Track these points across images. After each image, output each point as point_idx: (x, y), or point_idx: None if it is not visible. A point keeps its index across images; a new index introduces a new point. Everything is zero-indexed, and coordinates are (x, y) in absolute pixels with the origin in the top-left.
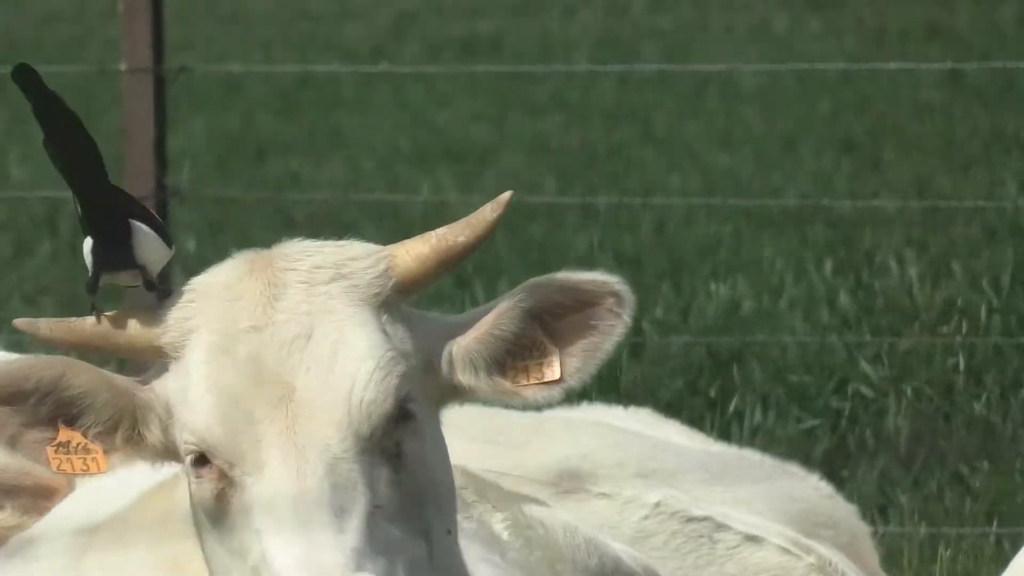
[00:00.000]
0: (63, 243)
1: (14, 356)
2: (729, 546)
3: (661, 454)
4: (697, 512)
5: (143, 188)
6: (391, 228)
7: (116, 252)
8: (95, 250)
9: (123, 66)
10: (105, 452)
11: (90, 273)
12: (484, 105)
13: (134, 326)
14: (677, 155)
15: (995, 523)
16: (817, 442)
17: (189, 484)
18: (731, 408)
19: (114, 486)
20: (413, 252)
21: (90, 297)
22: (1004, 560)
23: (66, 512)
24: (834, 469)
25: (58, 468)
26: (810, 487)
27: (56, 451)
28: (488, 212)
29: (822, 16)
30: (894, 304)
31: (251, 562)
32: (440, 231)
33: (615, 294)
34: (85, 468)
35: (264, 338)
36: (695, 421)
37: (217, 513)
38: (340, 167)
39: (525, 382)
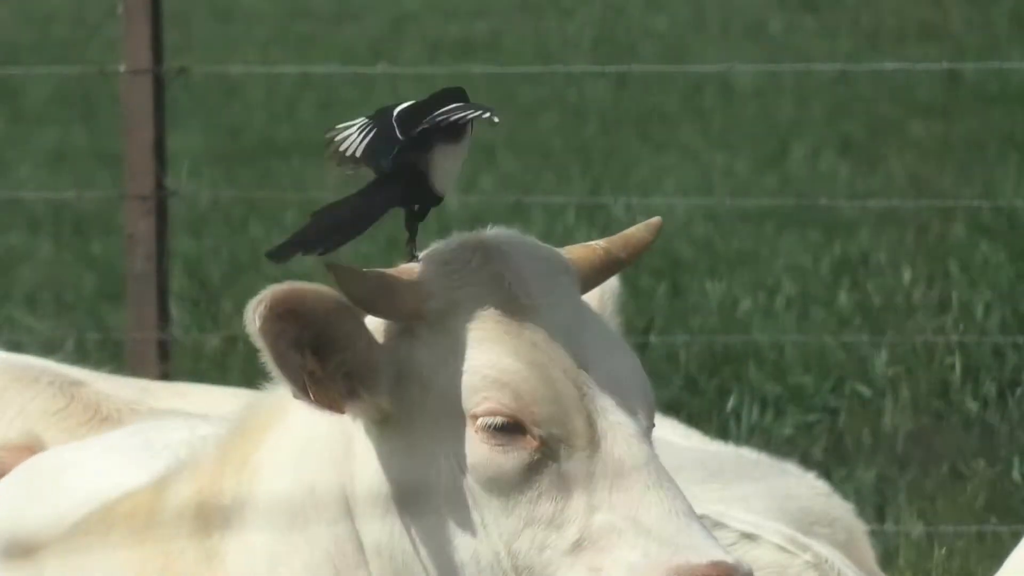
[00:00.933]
0: (64, 243)
1: (14, 356)
2: (726, 543)
3: (658, 452)
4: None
5: (143, 188)
6: (389, 228)
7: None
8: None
9: (123, 67)
10: (346, 397)
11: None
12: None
13: (407, 289)
14: (674, 155)
15: (992, 521)
16: (814, 441)
17: (465, 447)
18: (729, 407)
19: (51, 489)
20: (587, 261)
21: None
22: (1000, 558)
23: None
24: (831, 467)
25: (306, 394)
26: (807, 485)
27: (309, 376)
28: (645, 233)
29: (818, 16)
30: (891, 303)
31: (571, 533)
32: (602, 244)
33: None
34: (327, 404)
35: (545, 320)
36: (693, 420)
37: (515, 480)
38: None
39: None
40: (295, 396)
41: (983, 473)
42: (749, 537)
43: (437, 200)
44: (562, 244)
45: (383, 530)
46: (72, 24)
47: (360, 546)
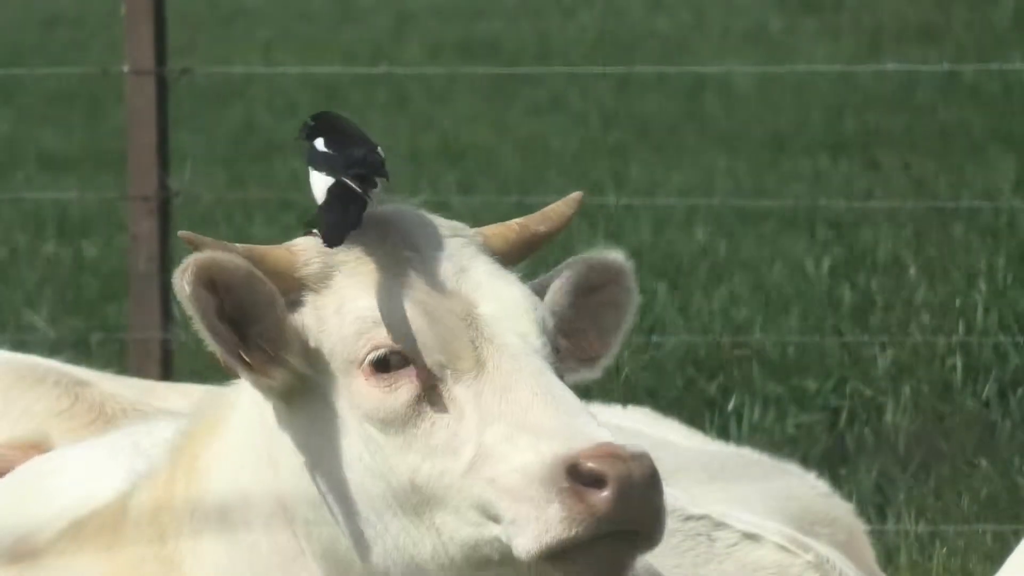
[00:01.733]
0: (67, 244)
1: (19, 356)
2: (727, 544)
3: (660, 453)
4: (695, 510)
5: (146, 188)
6: None
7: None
8: (333, 216)
9: (126, 68)
10: (269, 363)
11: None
12: (483, 106)
13: (280, 255)
14: (675, 156)
15: (992, 521)
16: (815, 441)
17: (358, 396)
18: (730, 407)
19: (35, 493)
20: (501, 236)
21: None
22: (1000, 558)
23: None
24: (832, 467)
25: (241, 364)
26: (808, 485)
27: (241, 346)
28: (564, 207)
29: (818, 18)
30: (892, 304)
31: (467, 453)
32: (521, 220)
33: (627, 271)
34: (254, 371)
35: (428, 267)
36: (694, 420)
37: (407, 416)
38: None
39: (566, 360)
40: (226, 365)
41: (984, 473)
42: (751, 537)
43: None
44: (563, 245)
45: (308, 508)
46: (75, 25)
47: (295, 532)
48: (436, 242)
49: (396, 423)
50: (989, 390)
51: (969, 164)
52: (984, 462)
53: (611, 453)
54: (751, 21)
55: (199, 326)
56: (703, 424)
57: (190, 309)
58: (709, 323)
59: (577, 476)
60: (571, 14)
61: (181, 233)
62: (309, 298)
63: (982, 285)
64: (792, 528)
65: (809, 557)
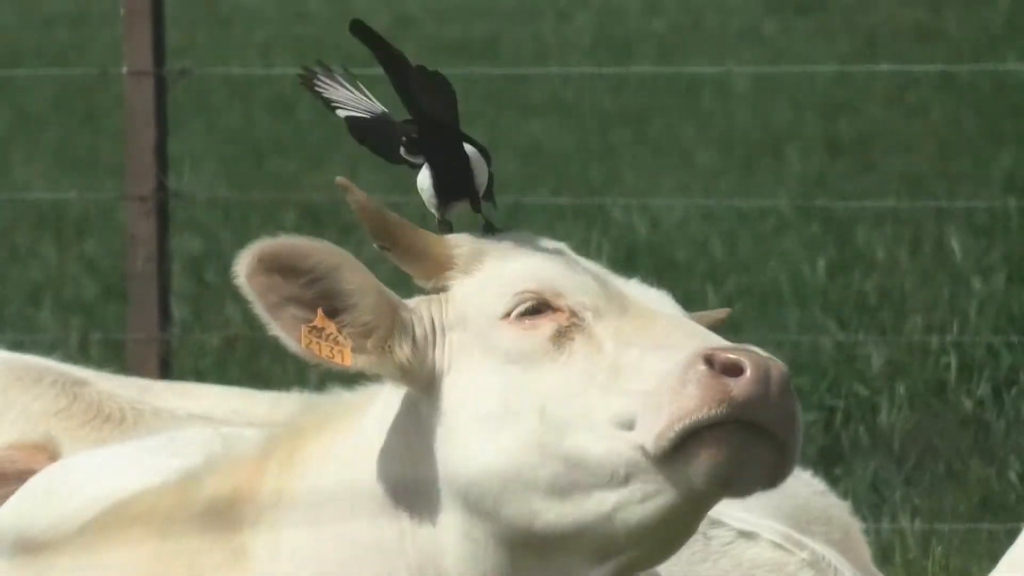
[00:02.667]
0: (65, 244)
1: (17, 356)
2: (723, 542)
3: None
4: None
5: (144, 189)
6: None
7: (460, 183)
8: (440, 182)
9: (124, 69)
10: (353, 351)
11: (436, 204)
12: (480, 107)
13: (431, 236)
14: (671, 156)
15: (987, 519)
16: (811, 439)
17: (497, 340)
18: None
19: (63, 491)
20: None
21: (440, 221)
22: (996, 556)
23: (20, 511)
24: (827, 466)
25: (307, 347)
26: (803, 484)
27: (309, 331)
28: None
29: (812, 19)
30: (887, 303)
31: (604, 375)
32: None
33: None
34: (331, 356)
35: (570, 256)
36: None
37: (546, 349)
38: (338, 168)
39: None
40: (292, 349)
41: (979, 471)
42: (746, 535)
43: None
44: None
45: (426, 466)
46: (74, 26)
47: (403, 542)
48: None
49: (534, 358)
50: (983, 389)
51: (963, 164)
52: (979, 461)
53: (749, 350)
54: (746, 22)
55: (257, 308)
56: None
57: (247, 294)
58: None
59: (713, 364)
60: (567, 16)
61: (339, 180)
62: (456, 278)
63: (976, 285)
64: (788, 526)
65: (804, 555)
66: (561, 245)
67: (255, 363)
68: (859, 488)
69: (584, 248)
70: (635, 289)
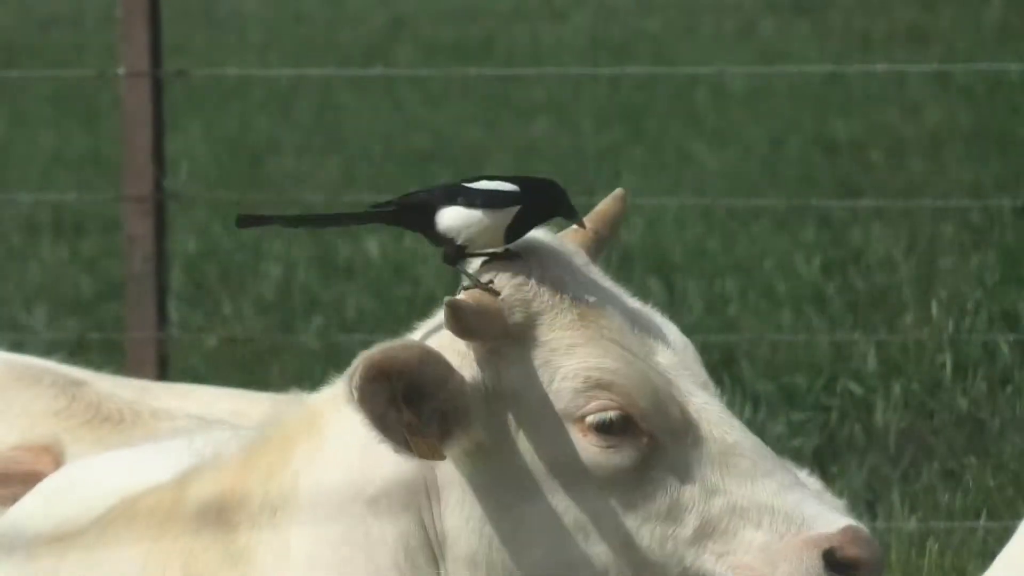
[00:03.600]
0: (63, 244)
1: (16, 356)
2: None
3: None
4: None
5: (142, 190)
6: (384, 228)
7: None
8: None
9: (122, 70)
10: (442, 440)
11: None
12: (476, 107)
13: (491, 308)
14: (667, 156)
15: (983, 517)
16: (807, 438)
17: (578, 457)
18: None
19: (80, 482)
20: (585, 246)
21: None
22: (992, 554)
23: (33, 509)
24: (823, 465)
25: (414, 450)
26: None
27: (411, 433)
28: (616, 206)
29: (808, 19)
30: (882, 302)
31: (692, 521)
32: (589, 226)
33: None
34: (427, 455)
35: (611, 317)
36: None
37: (634, 478)
38: (335, 168)
39: None
40: (397, 453)
41: (975, 469)
42: None
43: (437, 237)
44: None
45: (479, 542)
46: (71, 27)
47: (435, 559)
48: (592, 280)
49: (617, 482)
50: (978, 388)
51: (959, 163)
52: (974, 459)
53: (861, 539)
54: (742, 22)
55: (366, 421)
56: None
57: (359, 408)
58: (700, 321)
59: (832, 561)
60: (563, 16)
61: (447, 300)
62: (511, 350)
63: (971, 284)
64: None
65: None
66: (549, 245)
67: (253, 363)
68: (855, 486)
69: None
70: (654, 332)
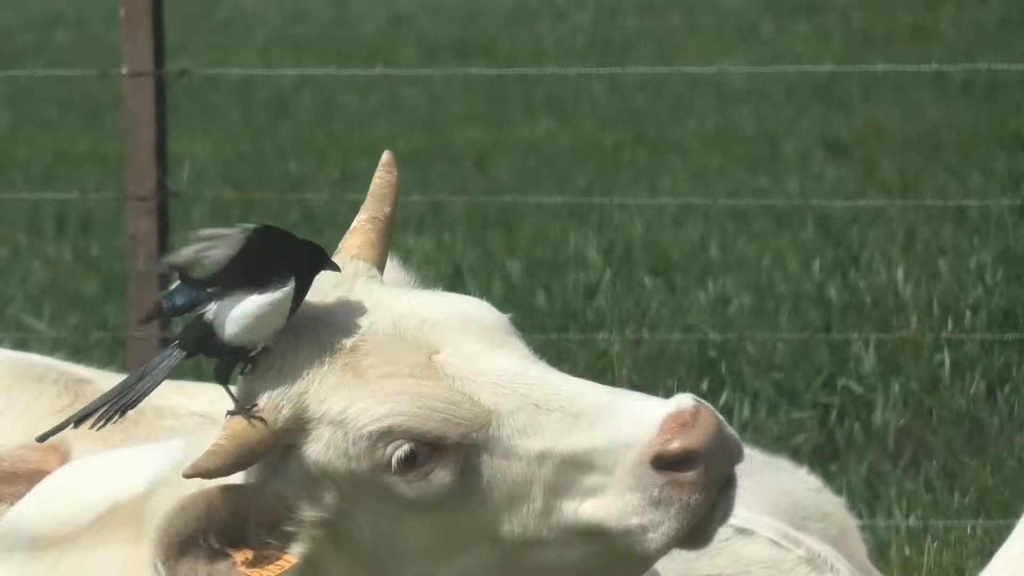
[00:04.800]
0: (67, 244)
1: (19, 354)
2: (720, 539)
3: None
4: None
5: (144, 189)
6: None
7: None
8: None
9: (124, 70)
10: (285, 551)
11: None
12: (477, 107)
13: (250, 428)
14: (668, 156)
15: (981, 516)
16: (806, 436)
17: (400, 495)
18: (721, 403)
19: (80, 482)
20: (368, 244)
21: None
22: (990, 552)
23: (34, 509)
24: (823, 463)
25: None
26: (799, 481)
27: (249, 568)
28: (387, 175)
29: (808, 19)
30: (881, 301)
31: (538, 493)
32: (365, 217)
33: None
34: (278, 568)
35: (373, 348)
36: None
37: (462, 489)
38: (337, 168)
39: None
40: None
41: (973, 468)
42: (743, 532)
43: (228, 351)
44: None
45: None
46: (74, 28)
47: None
48: (349, 310)
49: (450, 501)
50: (977, 387)
51: (958, 163)
52: (973, 458)
53: (679, 426)
54: (742, 22)
55: None
56: None
57: None
58: (701, 320)
59: (664, 464)
60: (564, 16)
61: (187, 471)
62: (296, 439)
63: (970, 283)
64: (784, 523)
65: (801, 552)
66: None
67: None
68: (854, 485)
69: (581, 247)
70: (440, 314)
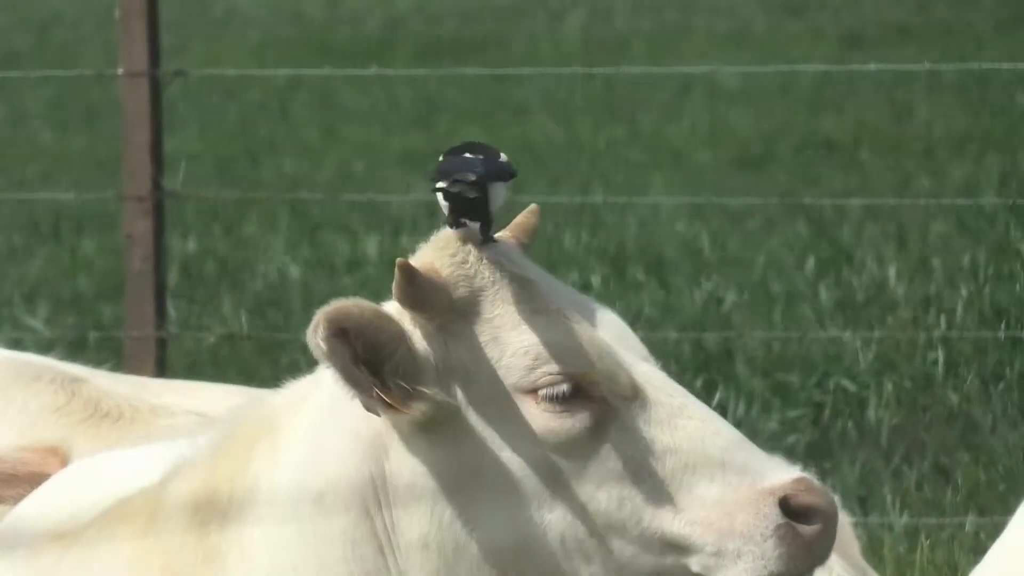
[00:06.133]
0: (63, 243)
1: (15, 354)
2: None
3: None
4: None
5: (140, 189)
6: (382, 227)
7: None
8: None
9: (120, 70)
10: (402, 399)
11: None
12: (472, 106)
13: (435, 283)
14: (662, 155)
15: (975, 513)
16: (800, 434)
17: (530, 427)
18: (715, 402)
19: (83, 481)
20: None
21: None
22: (983, 550)
23: (38, 508)
24: (816, 461)
25: (381, 405)
26: None
27: (379, 389)
28: (534, 219)
29: (801, 19)
30: (874, 299)
31: (647, 480)
32: (509, 233)
33: None
34: (396, 406)
35: (551, 294)
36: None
37: (583, 442)
38: (333, 168)
39: None
40: (367, 409)
41: (966, 466)
42: None
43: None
44: (552, 244)
45: (430, 523)
46: (71, 28)
47: (381, 548)
48: (528, 262)
49: (572, 447)
50: (970, 384)
51: (950, 162)
52: (966, 455)
53: (815, 487)
54: (736, 22)
55: (338, 377)
56: None
57: (329, 363)
58: (694, 319)
59: (788, 510)
60: (558, 16)
61: (399, 261)
62: (457, 326)
63: (962, 281)
64: None
65: None
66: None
67: (250, 361)
68: (847, 482)
69: (575, 246)
70: (591, 312)
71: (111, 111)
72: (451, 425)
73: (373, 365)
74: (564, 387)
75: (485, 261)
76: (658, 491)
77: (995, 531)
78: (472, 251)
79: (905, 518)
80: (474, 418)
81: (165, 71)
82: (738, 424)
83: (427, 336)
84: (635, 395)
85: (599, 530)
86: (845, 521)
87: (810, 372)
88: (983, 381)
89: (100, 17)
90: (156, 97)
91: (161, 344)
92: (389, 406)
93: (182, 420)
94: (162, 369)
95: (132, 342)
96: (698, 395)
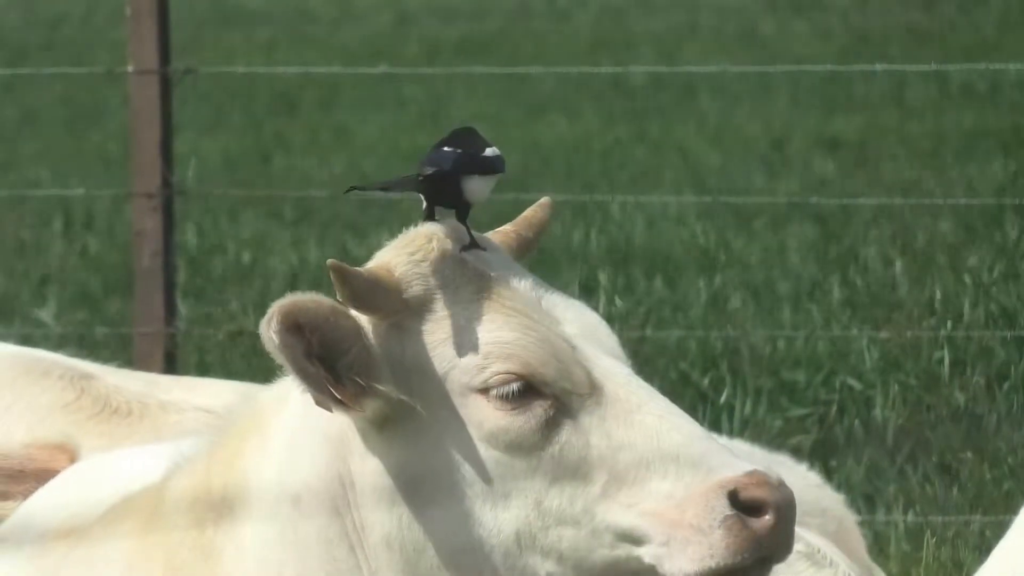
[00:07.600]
0: (73, 240)
1: (25, 350)
2: None
3: None
4: None
5: (149, 186)
6: (391, 224)
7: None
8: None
9: (130, 68)
10: (356, 396)
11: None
12: (480, 105)
13: (387, 281)
14: (669, 154)
15: (980, 512)
16: (806, 433)
17: (481, 419)
18: (722, 400)
19: (91, 478)
20: (506, 244)
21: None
22: (988, 548)
23: (46, 504)
24: (822, 459)
25: (333, 401)
26: (799, 477)
27: (330, 384)
28: (541, 213)
29: (808, 19)
30: (880, 299)
31: (600, 477)
32: (511, 228)
33: None
34: (347, 403)
35: (514, 289)
36: (687, 413)
37: (535, 440)
38: (341, 165)
39: None
40: (318, 404)
41: (971, 464)
42: None
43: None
44: (560, 243)
45: (391, 522)
46: (80, 26)
47: (352, 548)
48: (499, 258)
49: (524, 445)
50: (976, 384)
51: (956, 162)
52: (971, 454)
53: (766, 481)
54: (743, 22)
55: (288, 370)
56: (696, 417)
57: (279, 357)
58: (701, 318)
59: (737, 503)
60: (566, 16)
61: (330, 262)
62: (411, 323)
63: (969, 281)
64: None
65: (800, 547)
66: (455, 227)
67: (259, 357)
68: (853, 481)
69: (583, 244)
70: (561, 308)
71: (121, 108)
72: (407, 424)
73: (329, 360)
74: (514, 386)
75: (448, 259)
76: (611, 487)
77: (1000, 529)
78: (434, 249)
79: (911, 516)
80: (428, 416)
81: (175, 68)
82: (745, 423)
83: (381, 334)
84: (592, 391)
85: (553, 526)
86: (851, 519)
87: (816, 371)
88: (989, 381)
89: (110, 14)
90: (166, 94)
91: (170, 340)
92: (340, 402)
93: (191, 416)
94: (171, 365)
95: (141, 338)
96: (705, 394)
